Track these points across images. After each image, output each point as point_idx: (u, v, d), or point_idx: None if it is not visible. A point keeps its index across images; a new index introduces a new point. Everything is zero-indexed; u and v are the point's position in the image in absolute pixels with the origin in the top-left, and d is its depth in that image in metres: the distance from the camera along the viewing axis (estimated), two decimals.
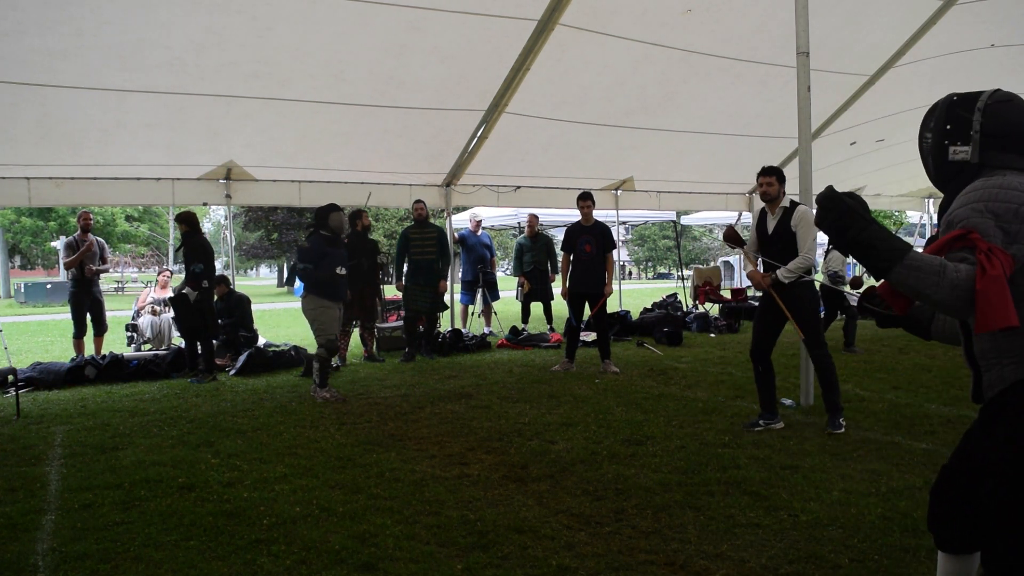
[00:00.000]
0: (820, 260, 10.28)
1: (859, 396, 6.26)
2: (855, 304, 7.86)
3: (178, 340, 9.77)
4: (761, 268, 5.39)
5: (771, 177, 5.28)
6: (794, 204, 5.26)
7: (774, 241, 5.26)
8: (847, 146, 11.57)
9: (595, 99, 9.05)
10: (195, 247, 7.86)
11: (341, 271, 6.48)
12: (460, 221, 15.45)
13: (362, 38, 7.12)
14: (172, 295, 9.57)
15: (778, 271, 5.13)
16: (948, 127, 2.10)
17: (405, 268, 9.16)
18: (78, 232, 9.02)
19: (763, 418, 5.32)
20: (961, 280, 1.80)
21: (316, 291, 6.49)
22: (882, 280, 1.94)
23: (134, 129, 7.79)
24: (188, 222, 7.93)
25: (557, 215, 14.96)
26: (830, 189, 1.99)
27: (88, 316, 8.98)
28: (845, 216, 1.91)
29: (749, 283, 15.94)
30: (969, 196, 1.98)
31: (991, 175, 2.02)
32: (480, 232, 11.38)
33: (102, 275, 9.28)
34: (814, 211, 2.36)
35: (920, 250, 1.90)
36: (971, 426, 2.21)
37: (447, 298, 9.68)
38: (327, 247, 6.54)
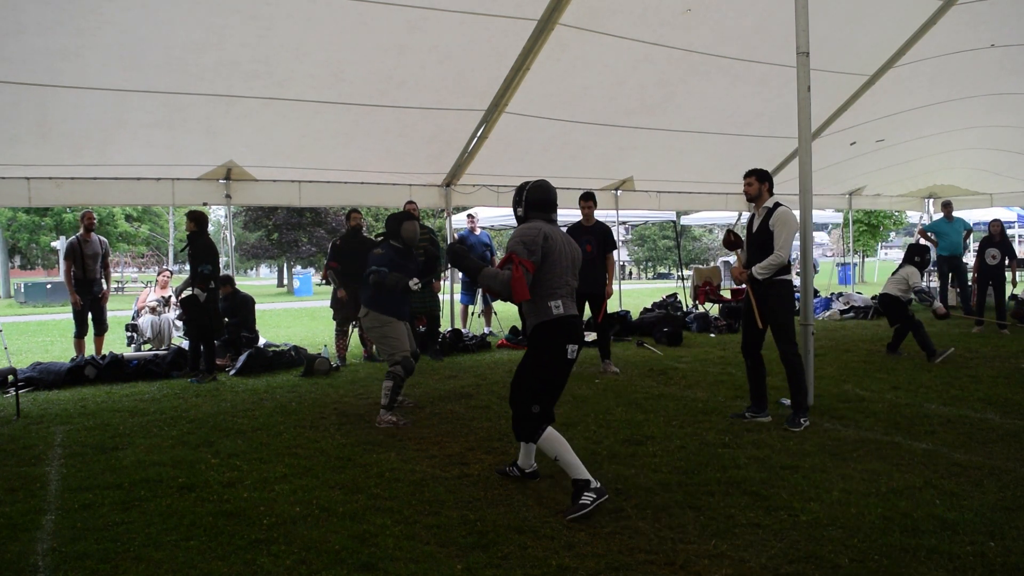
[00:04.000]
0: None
1: (859, 396, 6.26)
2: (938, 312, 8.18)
3: (178, 340, 9.77)
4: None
5: (750, 177, 5.61)
6: (777, 205, 5.45)
7: (756, 239, 5.52)
8: (847, 146, 11.57)
9: (595, 99, 9.04)
10: (202, 248, 7.86)
11: (416, 285, 5.79)
12: (460, 221, 15.45)
13: (362, 38, 7.11)
14: (175, 296, 9.58)
15: (752, 268, 5.44)
16: (516, 198, 4.12)
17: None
18: (81, 232, 9.01)
19: (750, 411, 5.57)
20: (506, 280, 3.81)
21: (377, 307, 5.78)
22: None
23: (134, 129, 7.78)
24: (198, 221, 7.94)
25: (557, 215, 14.91)
26: (451, 243, 4.74)
27: (89, 315, 8.99)
28: (456, 256, 4.09)
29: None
30: (515, 234, 3.96)
31: (529, 222, 4.01)
32: (479, 231, 11.37)
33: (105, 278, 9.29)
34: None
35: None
36: (525, 357, 4.04)
37: (444, 298, 9.64)
38: (399, 259, 5.89)
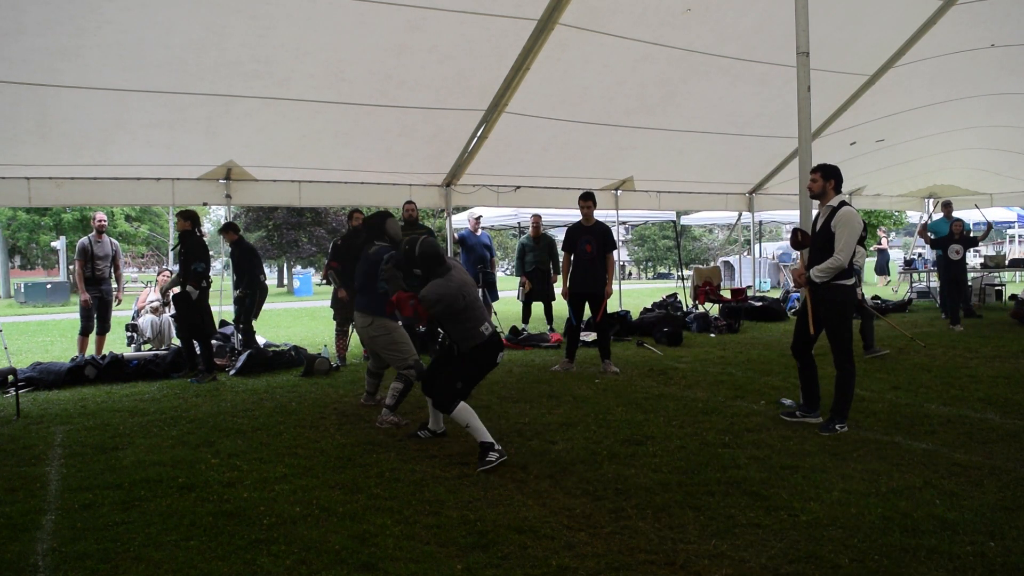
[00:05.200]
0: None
1: (859, 396, 6.24)
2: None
3: (178, 340, 9.76)
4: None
5: (815, 173, 5.33)
6: (842, 204, 5.21)
7: (818, 240, 5.26)
8: (847, 146, 11.56)
9: (595, 99, 9.04)
10: (194, 246, 7.89)
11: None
12: (459, 221, 15.46)
13: (362, 38, 7.12)
14: (161, 294, 9.58)
15: (810, 270, 5.19)
16: (408, 265, 4.72)
17: None
18: (93, 234, 9.04)
19: (800, 409, 5.48)
20: (391, 295, 4.84)
21: (383, 312, 5.72)
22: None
23: (134, 129, 7.79)
24: (193, 219, 7.96)
25: (557, 215, 14.97)
26: (392, 256, 5.48)
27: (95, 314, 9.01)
28: (393, 271, 5.02)
29: (750, 284, 15.94)
30: (435, 290, 4.60)
31: (441, 277, 4.66)
32: (480, 232, 11.36)
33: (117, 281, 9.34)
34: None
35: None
36: (458, 359, 4.79)
37: None
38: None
